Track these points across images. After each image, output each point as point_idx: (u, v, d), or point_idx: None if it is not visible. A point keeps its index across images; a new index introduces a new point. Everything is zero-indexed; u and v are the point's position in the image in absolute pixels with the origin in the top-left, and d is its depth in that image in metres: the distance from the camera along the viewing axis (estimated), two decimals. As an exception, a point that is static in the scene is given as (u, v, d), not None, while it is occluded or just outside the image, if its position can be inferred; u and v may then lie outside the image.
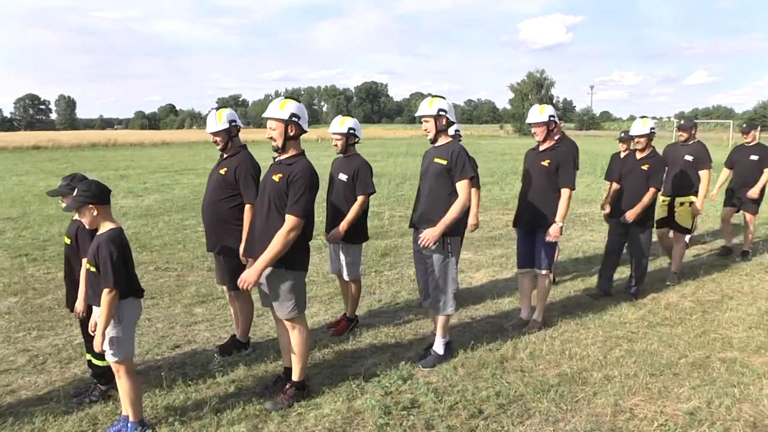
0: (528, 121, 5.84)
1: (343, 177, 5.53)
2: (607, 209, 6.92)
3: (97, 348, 3.70)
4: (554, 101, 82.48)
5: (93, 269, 3.71)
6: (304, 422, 4.01)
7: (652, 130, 6.61)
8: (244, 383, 4.61)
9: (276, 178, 4.12)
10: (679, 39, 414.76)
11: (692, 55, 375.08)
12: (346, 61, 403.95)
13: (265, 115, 4.18)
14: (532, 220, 5.75)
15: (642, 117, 6.85)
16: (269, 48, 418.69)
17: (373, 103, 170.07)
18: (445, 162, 4.76)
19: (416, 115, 4.93)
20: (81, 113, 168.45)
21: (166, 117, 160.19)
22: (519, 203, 5.97)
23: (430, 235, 4.70)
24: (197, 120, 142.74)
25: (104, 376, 4.28)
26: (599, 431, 3.90)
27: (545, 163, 5.67)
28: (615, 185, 6.85)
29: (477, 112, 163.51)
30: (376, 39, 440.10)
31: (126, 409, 3.84)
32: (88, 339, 4.13)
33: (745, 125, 8.96)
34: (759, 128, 8.90)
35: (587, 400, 4.32)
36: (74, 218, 4.19)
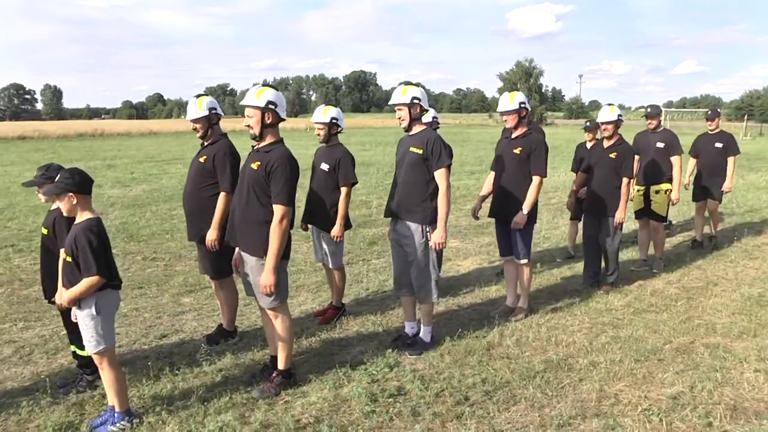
0: (499, 109, 5.78)
1: (324, 167, 5.52)
2: (572, 200, 7.07)
3: (60, 301, 3.75)
4: (543, 90, 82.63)
5: (69, 259, 3.67)
6: (291, 410, 4.03)
7: (620, 117, 6.52)
8: (231, 372, 4.62)
9: (254, 166, 4.11)
10: (668, 29, 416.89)
11: (681, 45, 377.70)
12: (335, 51, 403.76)
13: (242, 102, 4.17)
14: (505, 209, 5.73)
15: (609, 104, 6.70)
16: (259, 38, 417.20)
17: (362, 92, 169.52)
18: (420, 151, 4.75)
19: (390, 103, 4.92)
20: (68, 103, 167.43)
21: (154, 107, 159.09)
22: (493, 193, 5.92)
23: (438, 238, 4.76)
24: (185, 110, 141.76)
25: (90, 365, 4.26)
26: (584, 416, 3.94)
27: (517, 150, 5.63)
28: (580, 175, 6.91)
29: (466, 101, 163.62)
30: (366, 29, 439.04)
31: (111, 399, 3.83)
32: (71, 330, 4.12)
33: (710, 112, 8.77)
34: (721, 115, 8.78)
35: (573, 386, 4.36)
36: (51, 209, 4.16)
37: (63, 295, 3.70)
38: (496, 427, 3.83)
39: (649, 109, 7.75)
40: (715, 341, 5.14)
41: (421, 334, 5.08)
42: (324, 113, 5.54)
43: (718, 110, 8.82)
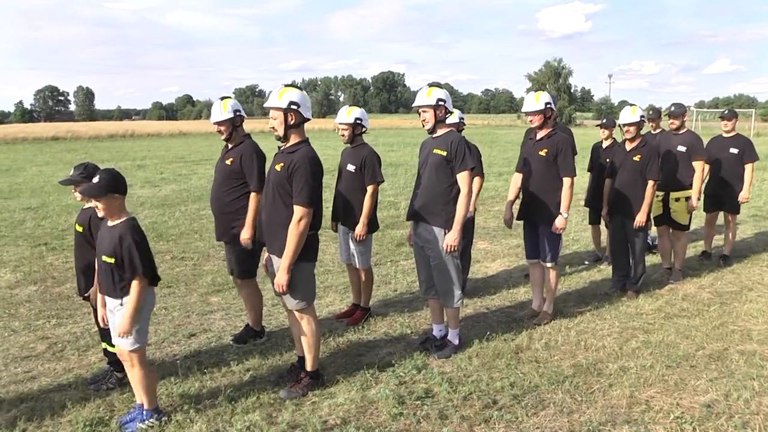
0: (524, 109, 5.72)
1: (351, 168, 5.53)
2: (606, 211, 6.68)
3: (120, 334, 3.70)
4: (572, 90, 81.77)
5: (111, 260, 3.67)
6: (318, 411, 4.03)
7: (642, 119, 6.35)
8: (259, 372, 4.64)
9: (278, 167, 4.13)
10: (700, 26, 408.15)
11: (714, 43, 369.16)
12: (363, 51, 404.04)
13: (265, 105, 4.20)
14: (534, 212, 5.67)
15: (631, 105, 6.50)
16: (286, 38, 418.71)
17: (390, 93, 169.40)
18: (444, 153, 4.71)
19: (413, 105, 4.86)
20: (99, 104, 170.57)
21: (184, 108, 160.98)
22: (522, 195, 5.84)
23: (451, 241, 4.70)
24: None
25: (120, 363, 4.32)
26: (614, 423, 3.87)
27: (543, 152, 5.55)
28: (608, 183, 6.60)
29: (494, 102, 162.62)
30: (393, 28, 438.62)
31: (140, 397, 3.87)
32: (103, 327, 4.16)
33: (726, 111, 7.94)
34: (738, 117, 8.01)
35: (602, 392, 4.29)
36: (85, 207, 4.21)
37: (125, 316, 3.67)
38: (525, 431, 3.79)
39: (672, 108, 7.10)
40: (751, 348, 5.01)
41: (449, 337, 5.05)
42: (348, 114, 5.54)
43: (735, 111, 8.10)
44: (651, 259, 7.67)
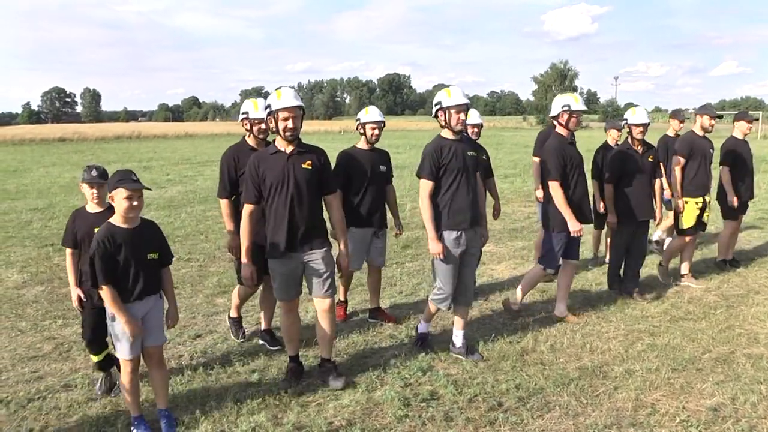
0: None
1: (383, 168, 5.66)
2: (612, 218, 6.36)
3: (175, 321, 3.96)
4: (578, 92, 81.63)
5: (156, 256, 3.75)
6: (324, 412, 4.03)
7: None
8: (265, 373, 4.64)
9: (306, 165, 4.22)
10: (707, 28, 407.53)
11: (720, 44, 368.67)
12: (368, 53, 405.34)
13: (285, 105, 4.12)
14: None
15: (637, 106, 6.47)
16: (291, 40, 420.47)
17: (396, 95, 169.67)
18: (476, 154, 4.90)
19: (460, 103, 4.62)
20: (106, 106, 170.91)
21: (190, 109, 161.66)
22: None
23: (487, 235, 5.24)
24: (220, 112, 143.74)
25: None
26: (620, 426, 3.86)
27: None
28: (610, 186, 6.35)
29: (500, 104, 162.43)
30: (398, 30, 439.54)
31: (165, 400, 3.93)
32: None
33: (739, 112, 7.79)
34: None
35: (608, 395, 4.28)
36: (95, 211, 4.16)
37: (173, 302, 3.97)
38: (530, 434, 3.78)
39: (699, 108, 7.03)
40: (758, 352, 4.99)
41: (462, 340, 5.02)
42: (379, 113, 5.65)
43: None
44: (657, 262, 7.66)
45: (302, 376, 4.54)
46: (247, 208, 4.32)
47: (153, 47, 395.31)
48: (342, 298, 5.91)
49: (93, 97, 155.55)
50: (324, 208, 4.43)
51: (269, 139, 4.82)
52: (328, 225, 4.48)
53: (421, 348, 5.06)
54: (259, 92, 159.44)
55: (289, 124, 4.13)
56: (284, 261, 4.29)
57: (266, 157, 4.28)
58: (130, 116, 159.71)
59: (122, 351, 3.68)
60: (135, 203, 3.56)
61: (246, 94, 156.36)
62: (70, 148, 32.55)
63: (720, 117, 6.82)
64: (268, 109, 4.21)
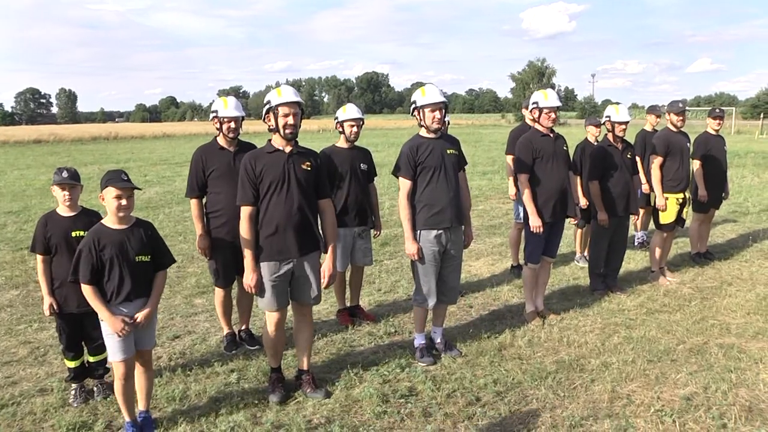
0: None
1: (364, 166, 5.64)
2: (602, 215, 6.33)
3: (147, 319, 3.68)
4: (556, 90, 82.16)
5: (147, 259, 3.67)
6: (303, 411, 4.04)
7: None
8: (243, 373, 4.63)
9: (306, 166, 4.12)
10: (683, 26, 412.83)
11: (696, 42, 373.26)
12: (348, 52, 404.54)
13: (288, 100, 4.01)
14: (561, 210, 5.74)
15: (618, 104, 6.52)
16: (272, 39, 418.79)
17: (374, 94, 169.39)
18: (457, 152, 4.84)
19: (435, 101, 4.61)
20: (82, 107, 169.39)
21: (168, 109, 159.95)
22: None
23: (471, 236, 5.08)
24: (198, 112, 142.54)
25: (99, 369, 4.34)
26: (596, 417, 3.92)
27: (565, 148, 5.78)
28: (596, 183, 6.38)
29: (479, 102, 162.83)
30: (378, 29, 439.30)
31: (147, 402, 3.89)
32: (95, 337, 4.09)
33: (718, 110, 7.78)
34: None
35: (585, 387, 4.33)
36: (72, 214, 4.10)
37: (155, 306, 3.74)
38: (508, 427, 3.82)
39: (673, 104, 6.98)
40: (730, 342, 5.09)
41: (440, 336, 5.06)
42: (357, 110, 5.61)
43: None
44: (635, 256, 7.76)
45: (285, 386, 4.34)
46: (245, 211, 4.07)
47: (131, 47, 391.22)
48: (340, 306, 5.86)
49: (69, 97, 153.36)
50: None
51: (270, 137, 4.68)
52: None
53: (423, 358, 4.82)
54: (237, 91, 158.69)
55: (290, 120, 4.00)
56: (279, 265, 4.09)
57: (263, 155, 4.11)
58: (107, 117, 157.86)
59: (112, 352, 3.62)
60: (124, 203, 3.55)
61: (224, 94, 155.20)
62: (45, 150, 32.09)
63: (685, 112, 6.90)
64: (267, 106, 4.07)
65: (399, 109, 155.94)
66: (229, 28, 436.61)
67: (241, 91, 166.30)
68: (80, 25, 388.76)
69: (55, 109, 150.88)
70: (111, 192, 3.53)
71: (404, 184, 4.73)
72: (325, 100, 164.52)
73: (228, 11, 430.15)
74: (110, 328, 3.55)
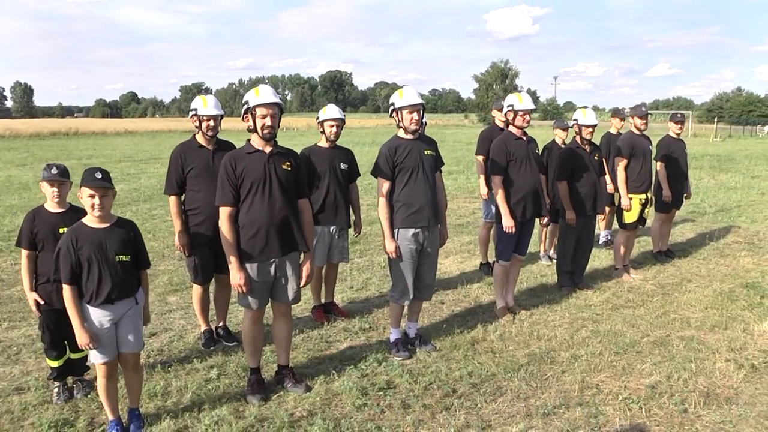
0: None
1: (344, 166, 5.71)
2: (570, 214, 6.53)
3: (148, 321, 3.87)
4: (518, 91, 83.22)
5: (127, 259, 3.64)
6: (285, 404, 4.12)
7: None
8: (224, 368, 4.69)
9: (286, 166, 4.13)
10: (642, 31, 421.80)
11: (655, 47, 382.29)
12: (312, 50, 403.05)
13: (265, 101, 4.02)
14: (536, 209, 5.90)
15: (585, 107, 6.79)
16: (235, 36, 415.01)
17: (337, 92, 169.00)
18: (434, 153, 4.97)
19: (413, 103, 4.72)
20: (39, 101, 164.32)
21: (128, 105, 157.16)
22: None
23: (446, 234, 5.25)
24: (159, 108, 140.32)
25: (80, 367, 4.33)
26: (568, 406, 4.10)
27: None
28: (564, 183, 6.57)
29: (442, 102, 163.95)
30: (344, 28, 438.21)
31: (134, 401, 3.92)
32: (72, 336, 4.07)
33: (680, 114, 8.11)
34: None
35: (556, 378, 4.52)
36: (55, 211, 4.08)
37: (146, 307, 3.84)
38: (484, 417, 3.97)
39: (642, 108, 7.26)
40: (690, 334, 5.35)
41: (415, 331, 5.18)
42: (338, 111, 5.70)
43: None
44: (600, 254, 8.02)
45: (264, 388, 4.34)
46: (224, 211, 4.07)
47: (91, 41, 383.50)
48: (316, 303, 5.92)
49: (25, 91, 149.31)
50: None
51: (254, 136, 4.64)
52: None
53: (399, 352, 4.92)
54: (199, 88, 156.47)
55: (267, 122, 4.00)
56: (261, 266, 4.12)
57: (243, 155, 4.11)
58: (65, 112, 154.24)
59: (92, 355, 3.62)
60: (98, 202, 3.52)
61: (186, 90, 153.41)
62: (1, 146, 31.23)
63: (647, 115, 7.19)
64: (245, 106, 4.08)
65: (362, 108, 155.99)
66: (191, 24, 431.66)
67: (203, 87, 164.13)
68: (38, 18, 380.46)
69: (9, 103, 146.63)
70: (85, 191, 3.51)
71: (382, 184, 4.83)
72: (288, 98, 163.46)
73: (190, 7, 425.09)
74: (77, 339, 3.52)
